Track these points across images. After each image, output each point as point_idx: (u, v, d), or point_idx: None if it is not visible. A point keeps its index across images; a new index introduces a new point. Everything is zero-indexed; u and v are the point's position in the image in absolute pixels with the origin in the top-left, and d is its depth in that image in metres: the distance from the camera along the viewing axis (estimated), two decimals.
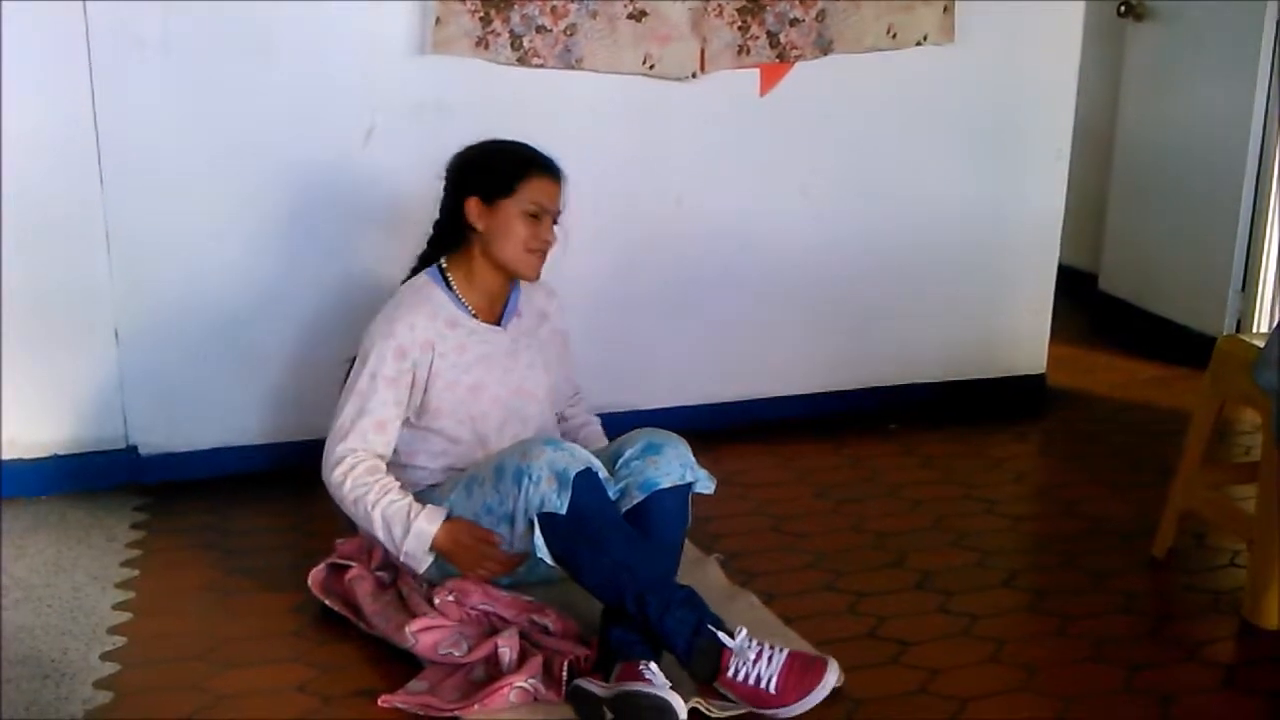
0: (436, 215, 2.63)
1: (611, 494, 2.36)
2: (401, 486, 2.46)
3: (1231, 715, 2.28)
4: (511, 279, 2.61)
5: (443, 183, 2.59)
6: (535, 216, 2.50)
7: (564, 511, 2.25)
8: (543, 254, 2.55)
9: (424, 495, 2.50)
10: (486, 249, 2.54)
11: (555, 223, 2.55)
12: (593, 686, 2.19)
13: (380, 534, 2.43)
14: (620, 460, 2.43)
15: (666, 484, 2.40)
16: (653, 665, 2.19)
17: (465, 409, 2.54)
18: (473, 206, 2.52)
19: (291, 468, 3.24)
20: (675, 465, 2.42)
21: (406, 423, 2.55)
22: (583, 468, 2.30)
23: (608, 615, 2.31)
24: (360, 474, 2.44)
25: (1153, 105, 4.54)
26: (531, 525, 2.29)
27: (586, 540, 2.27)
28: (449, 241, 2.60)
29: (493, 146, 2.58)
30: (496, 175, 2.51)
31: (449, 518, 2.41)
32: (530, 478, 2.28)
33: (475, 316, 2.57)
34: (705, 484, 2.48)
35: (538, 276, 2.58)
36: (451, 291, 2.57)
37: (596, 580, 2.28)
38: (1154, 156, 4.53)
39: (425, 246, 2.66)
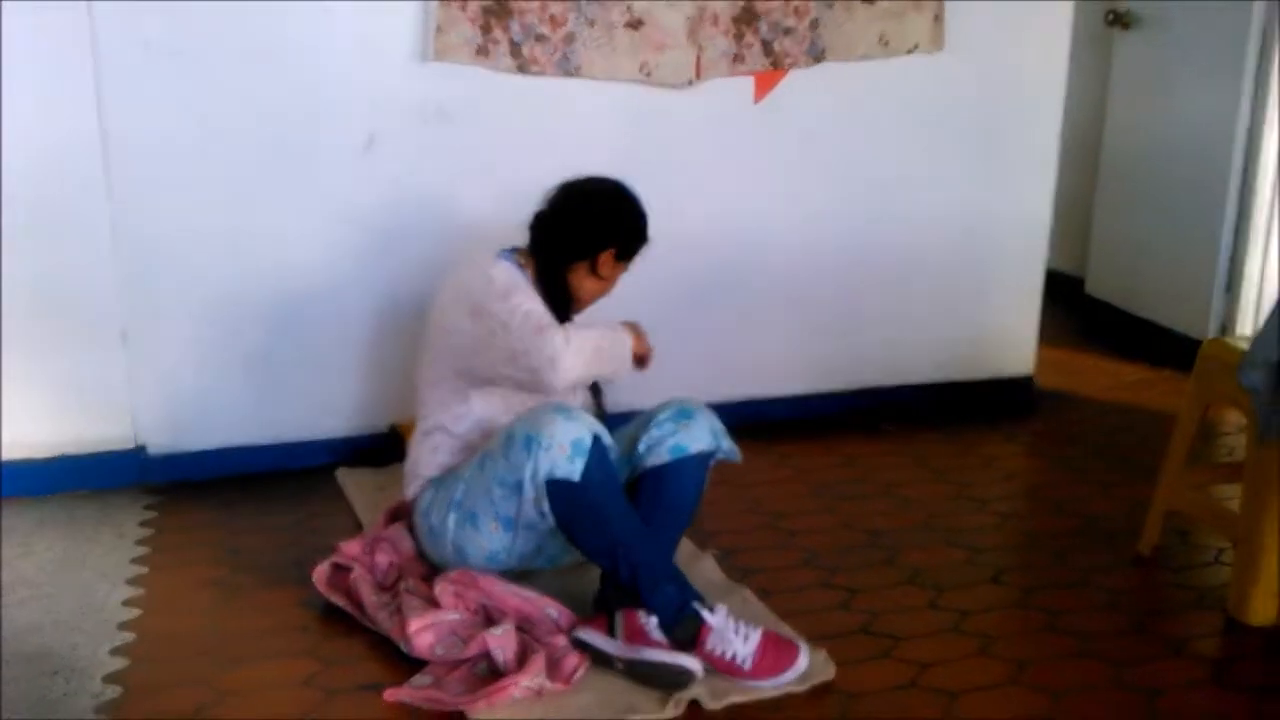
0: (535, 214, 2.62)
1: (614, 456, 2.40)
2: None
3: (1216, 710, 2.31)
4: None
5: (553, 199, 2.60)
6: None
7: (578, 479, 2.30)
8: None
9: (442, 480, 2.55)
10: (583, 288, 2.61)
11: None
12: (599, 642, 2.30)
13: (604, 352, 2.55)
14: (652, 422, 2.51)
15: (694, 449, 2.48)
16: (653, 619, 2.29)
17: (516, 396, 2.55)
18: (607, 258, 2.58)
19: (297, 468, 3.29)
20: (705, 433, 2.51)
21: (461, 388, 2.57)
22: (594, 436, 2.34)
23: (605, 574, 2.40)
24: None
25: (1140, 111, 4.58)
26: (540, 492, 2.33)
27: (590, 509, 2.34)
28: (555, 258, 2.59)
29: (639, 209, 2.62)
30: (636, 240, 2.61)
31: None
32: (540, 444, 2.31)
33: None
34: (732, 453, 2.56)
35: None
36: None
37: (595, 548, 2.36)
38: (1141, 162, 4.57)
39: (531, 233, 2.62)
